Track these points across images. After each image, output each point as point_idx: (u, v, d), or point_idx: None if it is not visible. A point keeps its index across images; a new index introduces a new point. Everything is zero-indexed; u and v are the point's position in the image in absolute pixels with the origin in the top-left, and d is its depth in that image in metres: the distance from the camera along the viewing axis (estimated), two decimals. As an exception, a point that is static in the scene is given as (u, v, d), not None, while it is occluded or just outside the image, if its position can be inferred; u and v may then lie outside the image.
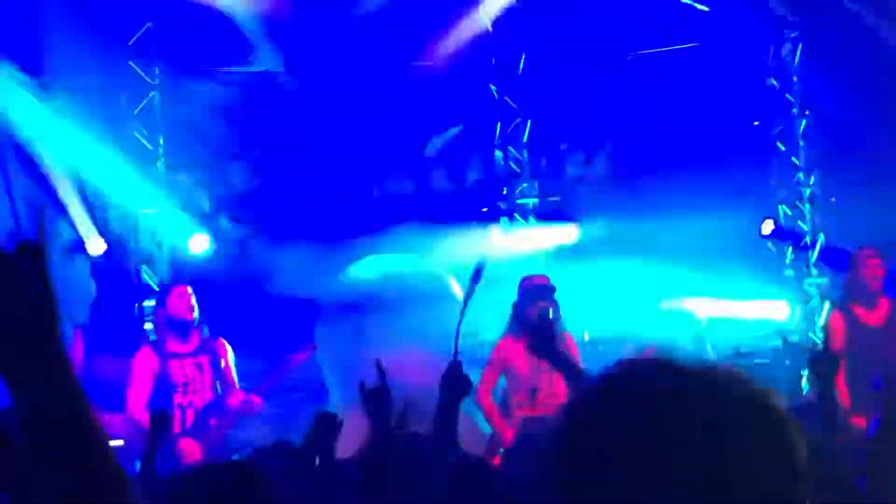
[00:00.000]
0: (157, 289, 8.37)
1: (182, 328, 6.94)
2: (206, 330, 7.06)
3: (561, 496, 1.16)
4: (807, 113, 8.90)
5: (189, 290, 6.99)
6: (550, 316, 6.11)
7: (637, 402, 1.14)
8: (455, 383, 4.06)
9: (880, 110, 8.23)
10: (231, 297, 8.14)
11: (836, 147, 8.58)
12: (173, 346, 7.01)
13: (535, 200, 9.13)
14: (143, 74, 8.27)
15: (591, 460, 1.13)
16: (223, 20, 8.37)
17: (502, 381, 6.59)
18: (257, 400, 7.04)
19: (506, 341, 6.60)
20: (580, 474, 1.13)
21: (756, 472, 1.12)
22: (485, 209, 9.15)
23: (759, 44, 8.85)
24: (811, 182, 8.81)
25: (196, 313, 6.95)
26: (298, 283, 8.38)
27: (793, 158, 8.82)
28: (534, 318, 6.03)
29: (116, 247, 8.45)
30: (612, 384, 1.18)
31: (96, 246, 8.15)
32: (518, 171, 9.14)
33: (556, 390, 6.04)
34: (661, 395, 1.14)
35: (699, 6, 8.75)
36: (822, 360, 4.11)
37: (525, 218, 9.03)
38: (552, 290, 6.63)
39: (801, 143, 8.81)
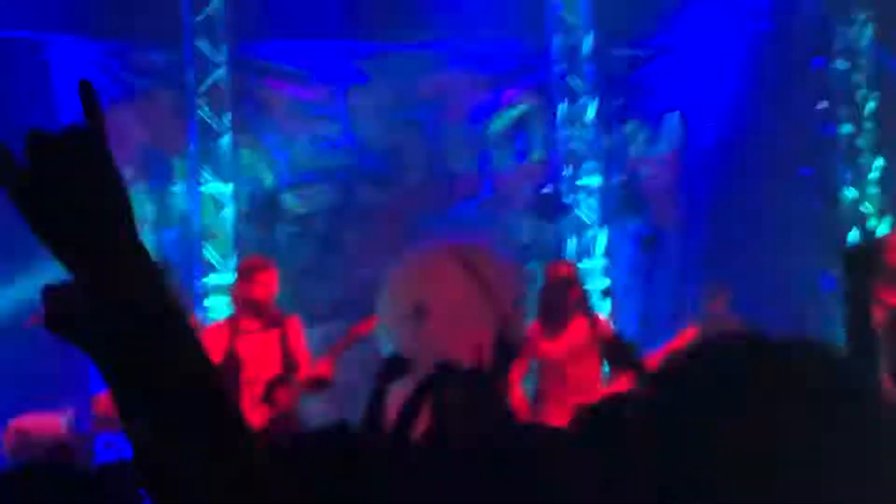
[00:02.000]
0: (217, 266, 8.53)
1: (260, 308, 6.97)
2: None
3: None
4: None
5: (274, 271, 7.01)
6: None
7: (728, 376, 1.13)
8: (505, 349, 4.34)
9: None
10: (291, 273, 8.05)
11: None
12: (246, 323, 7.05)
13: (600, 179, 9.13)
14: (207, 54, 8.40)
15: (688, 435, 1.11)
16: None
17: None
18: (327, 373, 7.05)
19: (534, 328, 6.73)
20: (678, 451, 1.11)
21: (853, 441, 1.09)
22: (547, 189, 9.09)
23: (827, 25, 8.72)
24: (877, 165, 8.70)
25: (274, 293, 6.98)
26: (362, 259, 8.57)
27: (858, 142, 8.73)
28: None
29: (182, 223, 8.58)
30: (705, 358, 1.17)
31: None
32: (583, 150, 9.12)
33: (586, 374, 6.26)
34: (751, 367, 1.12)
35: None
36: (859, 257, 3.37)
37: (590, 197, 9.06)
38: (577, 279, 6.93)
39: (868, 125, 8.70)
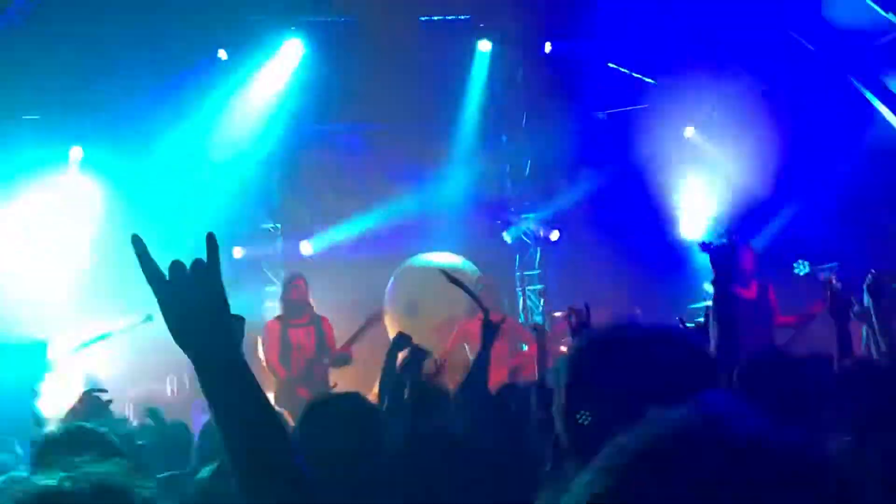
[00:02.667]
0: (274, 280, 11.19)
1: (299, 308, 9.15)
2: (313, 307, 9.29)
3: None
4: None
5: (304, 281, 9.30)
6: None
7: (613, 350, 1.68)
8: (488, 328, 5.19)
9: None
10: (329, 280, 10.44)
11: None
12: (292, 319, 9.12)
13: (534, 215, 12.19)
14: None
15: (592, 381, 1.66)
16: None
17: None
18: (349, 353, 9.04)
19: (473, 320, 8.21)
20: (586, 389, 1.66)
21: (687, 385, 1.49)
22: (499, 221, 12.21)
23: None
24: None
25: (308, 297, 9.28)
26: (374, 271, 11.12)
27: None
28: None
29: (249, 250, 11.60)
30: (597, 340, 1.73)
31: (237, 252, 11.56)
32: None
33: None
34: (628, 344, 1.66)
35: (647, 79, 11.72)
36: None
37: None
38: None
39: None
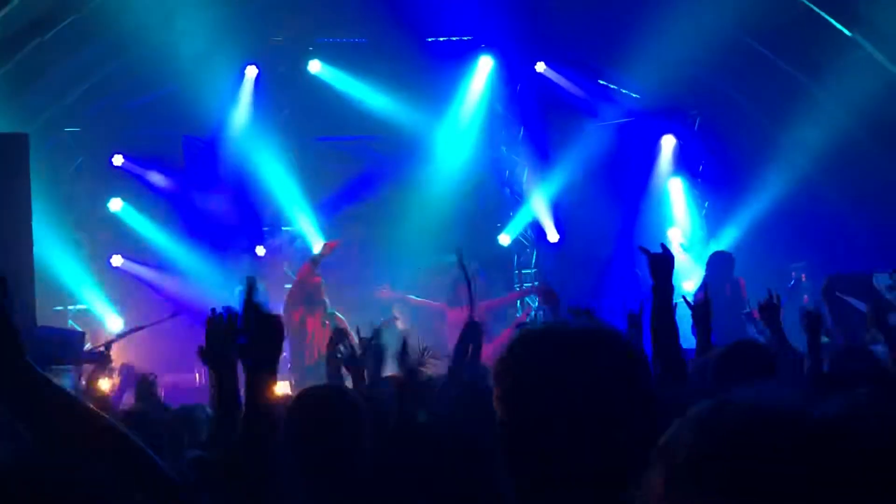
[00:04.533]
0: (293, 277, 11.89)
1: (311, 299, 10.30)
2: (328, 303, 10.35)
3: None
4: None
5: (320, 279, 10.42)
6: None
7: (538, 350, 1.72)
8: (471, 329, 5.05)
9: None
10: (341, 279, 11.55)
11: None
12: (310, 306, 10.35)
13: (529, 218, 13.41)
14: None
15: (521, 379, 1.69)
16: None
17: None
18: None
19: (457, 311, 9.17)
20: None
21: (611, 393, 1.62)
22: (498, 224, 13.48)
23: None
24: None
25: (324, 294, 10.37)
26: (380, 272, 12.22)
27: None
28: None
29: (271, 251, 12.89)
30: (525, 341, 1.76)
31: (259, 250, 12.85)
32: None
33: None
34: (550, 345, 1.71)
35: (633, 94, 12.80)
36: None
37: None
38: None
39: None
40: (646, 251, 4.08)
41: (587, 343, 1.69)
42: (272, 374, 2.50)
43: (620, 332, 1.77)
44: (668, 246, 4.27)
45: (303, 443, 3.08)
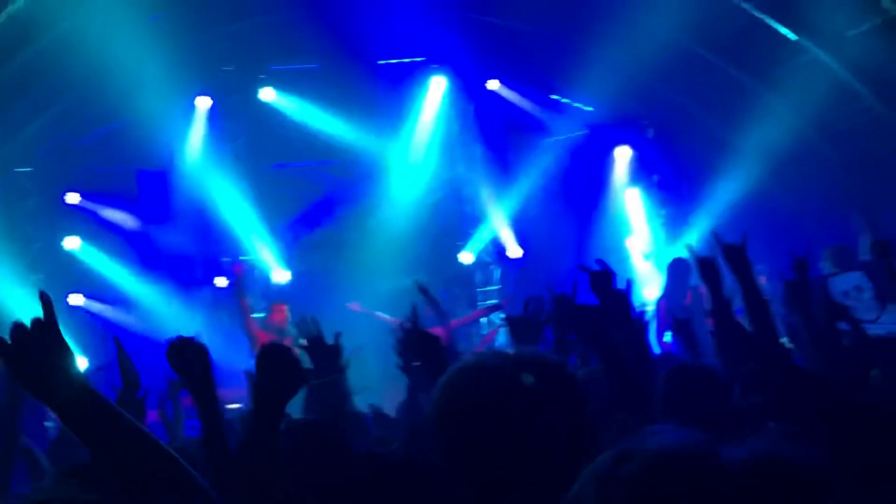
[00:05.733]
0: (254, 307, 12.10)
1: (280, 332, 9.82)
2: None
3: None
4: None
5: (286, 307, 10.29)
6: None
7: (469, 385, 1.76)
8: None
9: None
10: (304, 306, 11.90)
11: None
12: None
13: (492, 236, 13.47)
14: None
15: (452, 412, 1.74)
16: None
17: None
18: None
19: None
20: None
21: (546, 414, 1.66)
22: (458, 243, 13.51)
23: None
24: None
25: (289, 323, 10.08)
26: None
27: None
28: None
29: (231, 280, 12.60)
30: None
31: (219, 281, 12.70)
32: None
33: None
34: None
35: (586, 107, 12.94)
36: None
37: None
38: None
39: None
40: (585, 269, 3.93)
41: (519, 372, 1.69)
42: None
43: (557, 361, 1.79)
44: (628, 256, 4.13)
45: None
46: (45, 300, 2.19)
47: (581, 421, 1.69)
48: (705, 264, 3.96)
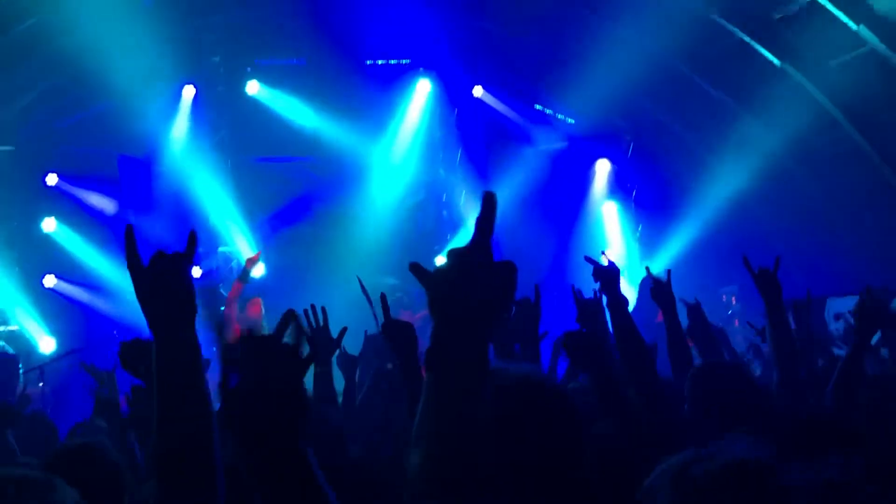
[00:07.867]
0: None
1: (256, 325, 9.77)
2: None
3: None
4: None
5: (260, 300, 10.30)
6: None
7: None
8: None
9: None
10: (279, 301, 11.10)
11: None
12: None
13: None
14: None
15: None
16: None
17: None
18: None
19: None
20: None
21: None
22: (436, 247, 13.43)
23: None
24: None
25: (263, 316, 10.12)
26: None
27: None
28: None
29: (206, 272, 12.67)
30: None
31: (195, 271, 12.65)
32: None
33: None
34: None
35: (568, 119, 13.11)
36: None
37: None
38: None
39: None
40: (591, 261, 3.94)
41: (507, 388, 1.76)
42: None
43: (546, 378, 1.82)
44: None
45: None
46: (191, 238, 2.08)
47: (570, 440, 1.73)
48: (658, 285, 4.08)
